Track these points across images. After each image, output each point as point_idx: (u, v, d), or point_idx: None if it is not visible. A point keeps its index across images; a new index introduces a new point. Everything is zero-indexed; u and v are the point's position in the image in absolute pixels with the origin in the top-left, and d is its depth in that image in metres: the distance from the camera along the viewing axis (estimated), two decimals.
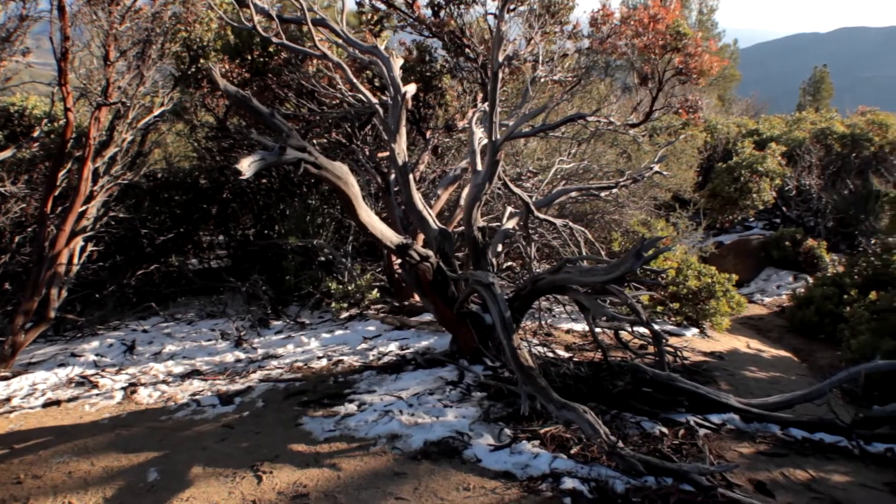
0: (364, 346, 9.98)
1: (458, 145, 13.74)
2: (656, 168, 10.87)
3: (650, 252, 6.59)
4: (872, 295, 10.82)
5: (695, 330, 10.97)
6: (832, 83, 49.20)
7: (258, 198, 14.92)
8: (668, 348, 9.18)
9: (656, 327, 10.28)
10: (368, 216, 7.29)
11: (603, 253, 10.62)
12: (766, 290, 16.06)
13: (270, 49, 12.66)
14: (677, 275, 10.95)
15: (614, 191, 10.79)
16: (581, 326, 10.48)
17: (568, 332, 10.40)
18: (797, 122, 25.31)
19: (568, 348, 9.47)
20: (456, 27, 12.56)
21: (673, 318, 10.97)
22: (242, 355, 9.98)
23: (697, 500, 5.39)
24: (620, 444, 5.90)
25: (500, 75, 10.74)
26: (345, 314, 11.43)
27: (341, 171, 6.72)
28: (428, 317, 10.67)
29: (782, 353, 11.28)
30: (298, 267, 12.59)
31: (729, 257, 16.88)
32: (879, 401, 7.57)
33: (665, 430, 6.68)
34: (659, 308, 10.68)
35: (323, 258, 12.35)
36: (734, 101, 43.83)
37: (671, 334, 10.57)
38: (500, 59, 8.79)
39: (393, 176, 11.01)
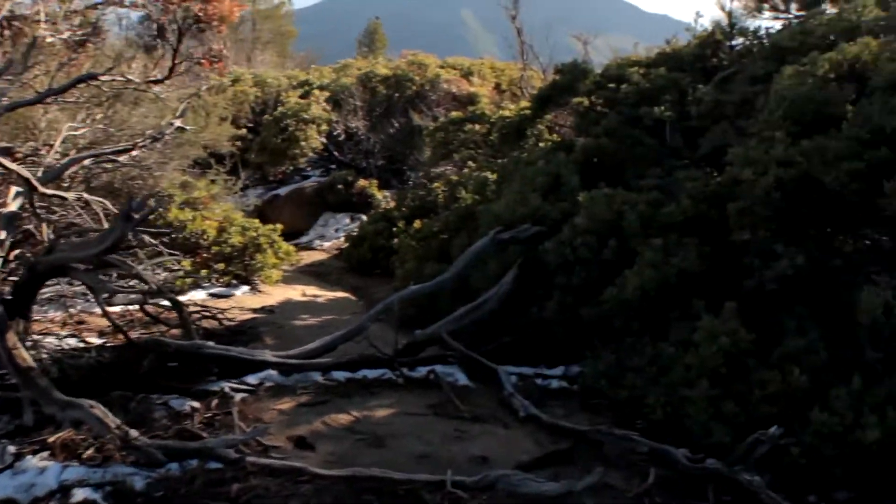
0: None
1: None
2: (177, 123, 10.05)
3: (143, 213, 5.78)
4: (417, 224, 11.00)
5: (246, 287, 10.43)
6: (386, 34, 51.12)
7: None
8: (210, 311, 8.56)
9: (199, 294, 9.62)
10: None
11: None
12: (326, 235, 16.08)
13: None
14: (220, 234, 10.29)
15: (135, 153, 9.80)
16: (119, 308, 9.43)
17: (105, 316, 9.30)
18: (344, 69, 25.68)
19: (102, 333, 8.39)
20: None
21: (221, 279, 10.30)
22: None
23: (226, 476, 4.78)
24: (134, 433, 5.07)
25: None
26: None
27: None
28: None
29: (340, 294, 11.18)
30: None
31: (286, 208, 16.66)
32: (428, 324, 7.52)
33: (197, 404, 5.96)
34: (204, 271, 9.93)
35: None
36: (293, 56, 44.03)
37: (220, 296, 9.92)
38: None
39: None
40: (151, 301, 7.43)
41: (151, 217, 10.11)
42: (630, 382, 5.71)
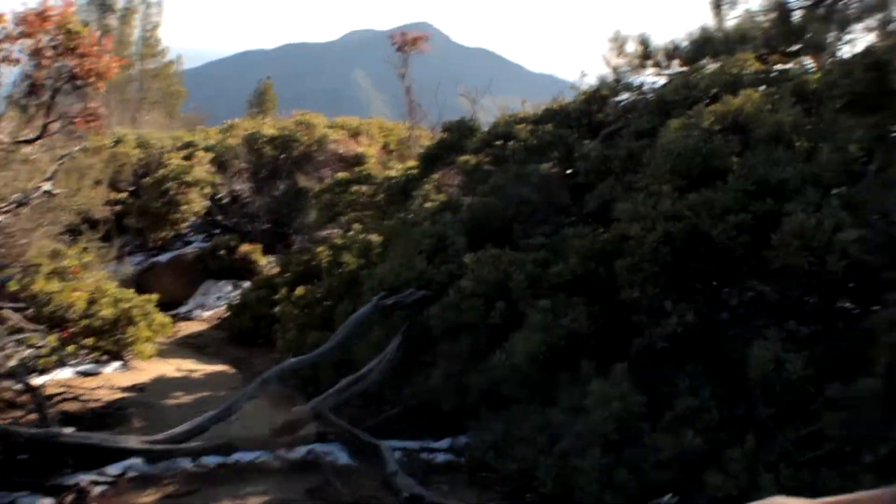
0: None
1: None
2: (46, 187, 9.47)
3: None
4: (299, 290, 10.59)
5: (118, 363, 9.75)
6: (276, 94, 50.59)
7: None
8: (73, 392, 7.98)
9: (65, 372, 8.99)
10: None
11: None
12: (206, 304, 15.35)
13: None
14: (90, 306, 9.61)
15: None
16: None
17: None
18: (230, 130, 25.11)
19: None
20: None
21: (90, 355, 9.59)
22: None
23: None
24: None
25: None
26: None
27: None
28: None
29: (219, 368, 10.63)
30: None
31: (165, 276, 15.86)
32: (312, 395, 7.11)
33: (50, 501, 5.39)
34: (70, 347, 9.21)
35: None
36: (181, 117, 43.31)
37: (88, 374, 9.25)
38: None
39: None
40: (4, 385, 6.80)
41: (15, 289, 9.46)
42: (519, 454, 5.45)
